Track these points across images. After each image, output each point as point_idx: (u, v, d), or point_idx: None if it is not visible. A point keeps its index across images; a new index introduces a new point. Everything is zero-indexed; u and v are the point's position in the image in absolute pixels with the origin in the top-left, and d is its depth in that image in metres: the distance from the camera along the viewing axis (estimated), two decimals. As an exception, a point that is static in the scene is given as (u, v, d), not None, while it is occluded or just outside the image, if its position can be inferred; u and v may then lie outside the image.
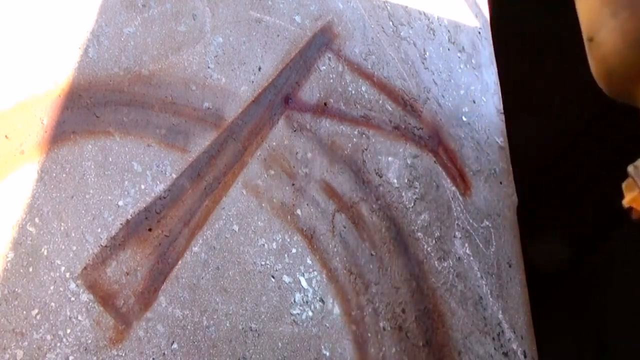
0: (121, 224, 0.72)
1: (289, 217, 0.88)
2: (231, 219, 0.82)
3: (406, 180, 1.06)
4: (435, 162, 1.13)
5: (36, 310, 0.63)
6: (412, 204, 1.04)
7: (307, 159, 0.95)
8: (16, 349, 0.60)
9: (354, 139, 1.03)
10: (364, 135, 1.04)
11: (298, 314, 0.82)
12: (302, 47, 1.04)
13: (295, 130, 0.95)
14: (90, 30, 0.79)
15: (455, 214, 1.10)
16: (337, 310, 0.86)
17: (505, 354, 1.03)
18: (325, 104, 1.02)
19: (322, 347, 0.83)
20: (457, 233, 1.08)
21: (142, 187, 0.76)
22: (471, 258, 1.07)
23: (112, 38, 0.81)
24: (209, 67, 0.89)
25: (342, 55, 1.08)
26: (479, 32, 1.41)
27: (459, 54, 1.33)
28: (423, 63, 1.24)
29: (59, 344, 0.63)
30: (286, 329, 0.80)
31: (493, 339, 1.02)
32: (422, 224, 1.04)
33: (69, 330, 0.64)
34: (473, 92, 1.31)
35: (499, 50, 1.44)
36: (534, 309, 1.14)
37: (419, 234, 1.02)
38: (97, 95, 0.76)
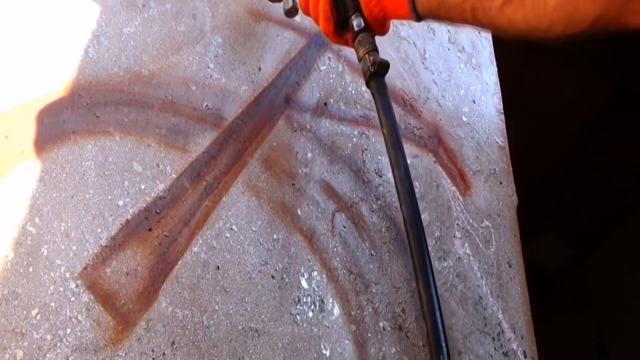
0: (121, 224, 0.72)
1: (289, 217, 0.88)
2: (231, 219, 0.82)
3: (406, 180, 1.05)
4: (435, 162, 1.13)
5: (36, 310, 0.63)
6: (412, 204, 1.04)
7: (307, 159, 0.95)
8: (16, 349, 0.60)
9: (354, 139, 1.03)
10: (364, 135, 1.04)
11: (298, 314, 0.82)
12: (302, 47, 1.04)
13: (295, 130, 0.95)
14: (91, 30, 0.79)
15: (455, 214, 1.10)
16: (337, 310, 0.86)
17: (505, 354, 1.03)
18: (325, 104, 1.02)
19: (322, 347, 0.82)
20: (457, 233, 1.08)
21: (142, 187, 0.76)
22: (471, 258, 1.07)
23: (112, 38, 0.81)
24: (209, 67, 0.89)
25: (342, 55, 1.08)
26: (479, 32, 1.41)
27: (458, 54, 1.33)
28: (423, 63, 1.24)
29: (59, 344, 0.63)
30: (286, 329, 0.80)
31: (493, 339, 1.02)
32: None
33: (69, 330, 0.64)
34: (473, 92, 1.31)
35: (499, 50, 1.44)
36: (534, 309, 1.14)
37: (419, 234, 1.02)
38: (97, 95, 0.76)
